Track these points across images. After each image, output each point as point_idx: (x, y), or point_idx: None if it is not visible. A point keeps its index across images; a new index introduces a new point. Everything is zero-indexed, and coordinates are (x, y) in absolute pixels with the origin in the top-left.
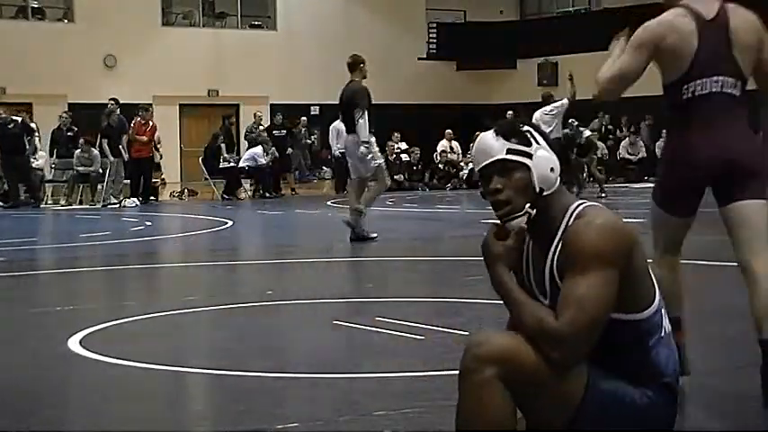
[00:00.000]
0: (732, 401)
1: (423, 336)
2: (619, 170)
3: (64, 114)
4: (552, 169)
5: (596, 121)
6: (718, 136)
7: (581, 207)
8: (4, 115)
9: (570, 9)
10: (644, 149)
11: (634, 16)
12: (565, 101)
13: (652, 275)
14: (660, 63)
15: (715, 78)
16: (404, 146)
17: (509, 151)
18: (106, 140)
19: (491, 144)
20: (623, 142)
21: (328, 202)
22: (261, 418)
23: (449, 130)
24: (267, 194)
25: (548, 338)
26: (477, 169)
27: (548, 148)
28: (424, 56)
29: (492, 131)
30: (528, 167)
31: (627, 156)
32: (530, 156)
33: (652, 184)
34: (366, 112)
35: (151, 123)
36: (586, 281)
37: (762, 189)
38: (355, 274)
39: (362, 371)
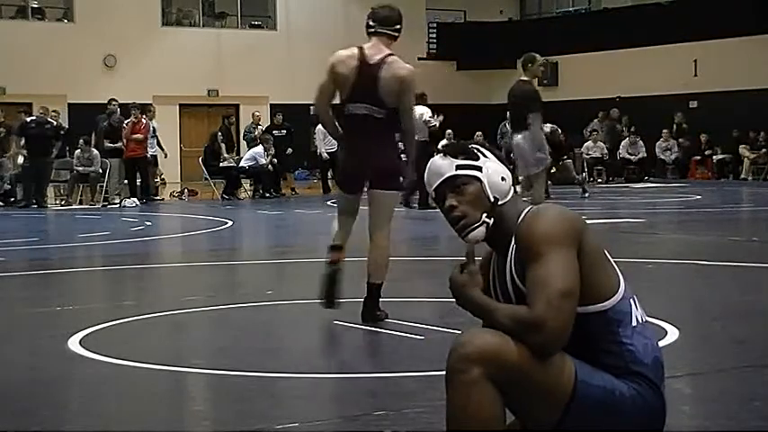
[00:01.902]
0: (732, 401)
1: (423, 336)
2: (619, 170)
3: (53, 113)
4: (504, 178)
5: (596, 121)
6: (361, 144)
7: (533, 209)
8: (41, 114)
9: (570, 9)
10: (644, 149)
11: (633, 16)
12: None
13: (614, 264)
14: (335, 85)
15: (364, 105)
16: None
17: (458, 167)
18: (109, 141)
19: (440, 164)
20: (623, 142)
21: (329, 202)
22: (261, 418)
23: (449, 131)
24: (267, 194)
25: (526, 327)
26: (430, 191)
27: (496, 160)
28: (424, 56)
29: (439, 154)
30: (479, 179)
31: (627, 156)
32: (479, 168)
33: (652, 185)
34: (539, 114)
35: (144, 121)
36: (545, 264)
37: (388, 182)
38: (355, 274)
39: (362, 371)
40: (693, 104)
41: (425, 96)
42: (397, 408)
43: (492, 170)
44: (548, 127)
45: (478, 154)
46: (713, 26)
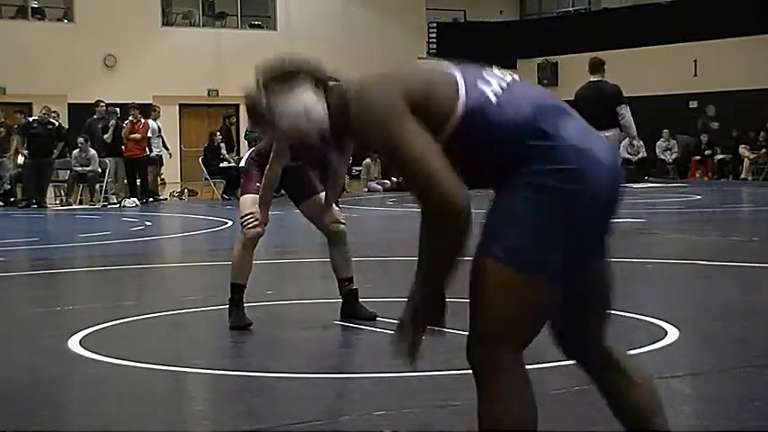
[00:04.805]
0: (732, 401)
1: (422, 336)
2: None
3: (53, 114)
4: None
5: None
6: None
7: (351, 95)
8: (43, 114)
9: (570, 9)
10: (644, 149)
11: (633, 16)
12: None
13: (446, 71)
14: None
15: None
16: None
17: None
18: (109, 140)
19: None
20: (624, 142)
21: None
22: (261, 418)
23: None
24: None
25: (435, 220)
26: None
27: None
28: (424, 56)
29: None
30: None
31: (627, 156)
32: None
33: (652, 185)
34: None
35: (143, 121)
36: (396, 150)
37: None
38: (355, 274)
39: (362, 371)
40: (693, 104)
41: None
42: (396, 408)
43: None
44: None
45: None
46: (713, 26)
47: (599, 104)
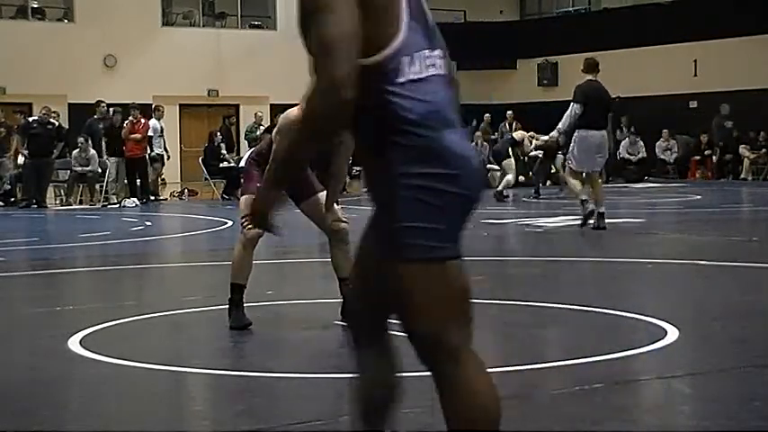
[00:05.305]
0: (732, 401)
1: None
2: (618, 170)
3: (54, 114)
4: None
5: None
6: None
7: None
8: (43, 115)
9: (570, 9)
10: (644, 149)
11: (633, 16)
12: None
13: (401, 14)
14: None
15: None
16: None
17: None
18: (106, 140)
19: None
20: (623, 142)
21: None
22: (261, 418)
23: None
24: None
25: (315, 92)
26: None
27: None
28: None
29: None
30: None
31: (627, 156)
32: None
33: (652, 185)
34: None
35: (143, 121)
36: (317, 24)
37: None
38: None
39: None
40: (693, 104)
41: None
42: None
43: None
44: (518, 134)
45: None
46: (713, 26)
47: (598, 104)
